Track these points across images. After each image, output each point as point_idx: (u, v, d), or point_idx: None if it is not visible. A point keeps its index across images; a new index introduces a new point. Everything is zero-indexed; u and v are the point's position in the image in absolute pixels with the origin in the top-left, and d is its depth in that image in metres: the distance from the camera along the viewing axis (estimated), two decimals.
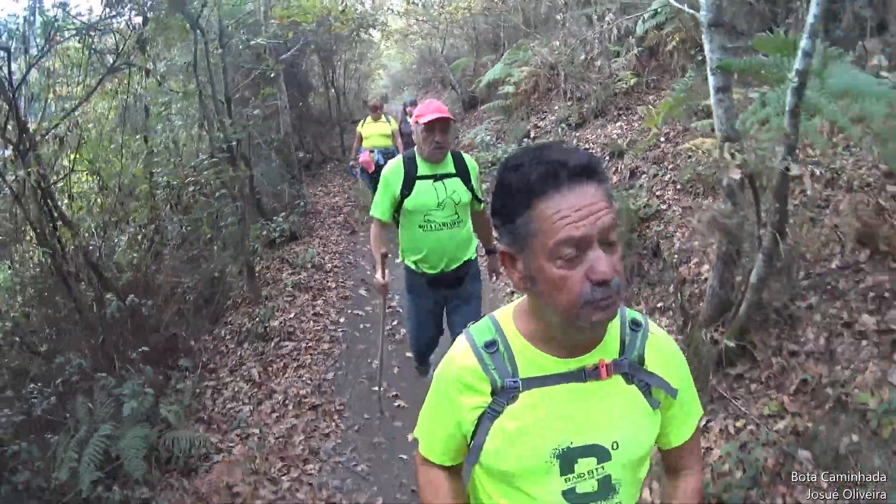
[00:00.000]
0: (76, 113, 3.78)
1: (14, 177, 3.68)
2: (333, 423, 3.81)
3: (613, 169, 5.96)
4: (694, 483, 1.27)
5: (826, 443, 2.72)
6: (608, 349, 1.11)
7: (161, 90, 5.46)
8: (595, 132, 7.29)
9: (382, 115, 7.92)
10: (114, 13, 3.77)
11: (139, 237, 4.87)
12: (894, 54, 4.03)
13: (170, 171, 5.09)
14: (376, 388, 3.83)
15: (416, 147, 3.08)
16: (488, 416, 1.09)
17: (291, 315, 5.29)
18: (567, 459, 1.08)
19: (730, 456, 2.91)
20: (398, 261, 3.39)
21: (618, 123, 7.22)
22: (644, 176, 5.40)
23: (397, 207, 3.08)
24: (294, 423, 3.78)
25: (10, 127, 3.70)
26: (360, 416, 3.91)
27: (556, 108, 8.44)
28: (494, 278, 3.60)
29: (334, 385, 4.26)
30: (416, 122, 3.01)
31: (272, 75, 7.44)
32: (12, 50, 3.43)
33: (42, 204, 3.84)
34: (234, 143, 5.31)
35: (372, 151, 7.58)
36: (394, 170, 3.06)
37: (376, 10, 14.05)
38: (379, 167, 7.15)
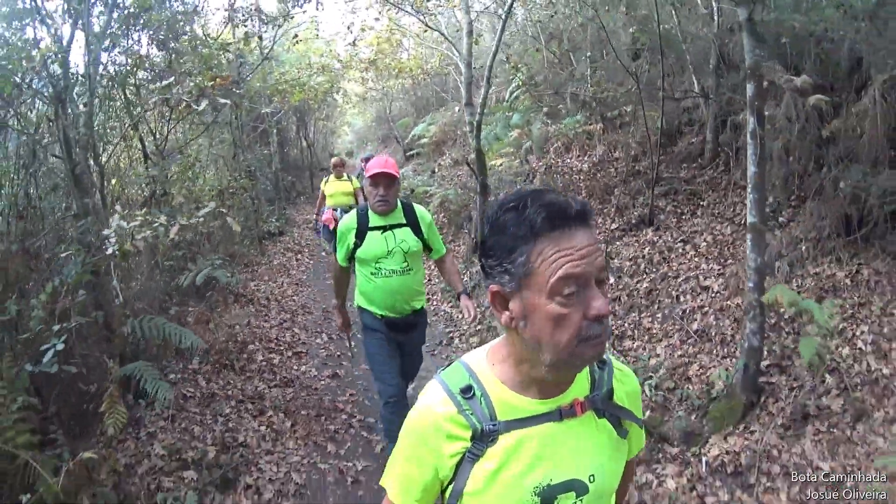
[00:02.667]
0: (189, 144, 8.08)
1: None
2: (305, 286, 8.13)
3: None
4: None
5: None
6: (580, 387, 1.16)
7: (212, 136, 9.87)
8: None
9: (344, 174, 8.27)
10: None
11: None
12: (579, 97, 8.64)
13: (217, 181, 9.39)
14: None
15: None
16: (468, 460, 1.12)
17: (284, 259, 9.64)
18: (548, 497, 1.11)
19: None
20: (351, 304, 3.69)
21: (494, 162, 11.80)
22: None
23: (351, 256, 3.35)
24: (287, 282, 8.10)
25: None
26: (321, 279, 8.24)
27: (450, 152, 13.04)
28: (466, 314, 3.52)
29: (306, 279, 8.59)
30: (365, 176, 3.28)
31: (274, 129, 11.90)
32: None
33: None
34: (254, 168, 9.74)
35: (335, 210, 7.95)
36: (347, 223, 3.35)
37: (338, 79, 18.60)
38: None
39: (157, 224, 3.28)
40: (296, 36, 10.03)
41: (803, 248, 4.73)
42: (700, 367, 4.24)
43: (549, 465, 1.12)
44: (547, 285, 0.99)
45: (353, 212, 3.42)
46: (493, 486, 1.11)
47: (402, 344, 3.54)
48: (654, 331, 4.88)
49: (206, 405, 4.49)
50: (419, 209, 3.45)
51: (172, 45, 5.05)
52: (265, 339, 6.03)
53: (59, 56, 4.29)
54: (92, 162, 4.50)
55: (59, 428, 3.31)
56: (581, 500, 1.14)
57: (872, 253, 4.41)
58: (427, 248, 3.47)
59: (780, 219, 5.06)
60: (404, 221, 3.35)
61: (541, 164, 8.46)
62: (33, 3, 4.34)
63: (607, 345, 1.21)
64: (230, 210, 8.78)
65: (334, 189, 8.08)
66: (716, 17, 6.45)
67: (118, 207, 3.54)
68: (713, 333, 4.41)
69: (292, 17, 7.68)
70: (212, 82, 4.00)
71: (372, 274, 3.33)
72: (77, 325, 3.09)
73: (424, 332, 3.75)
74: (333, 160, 8.56)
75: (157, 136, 7.00)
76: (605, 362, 1.21)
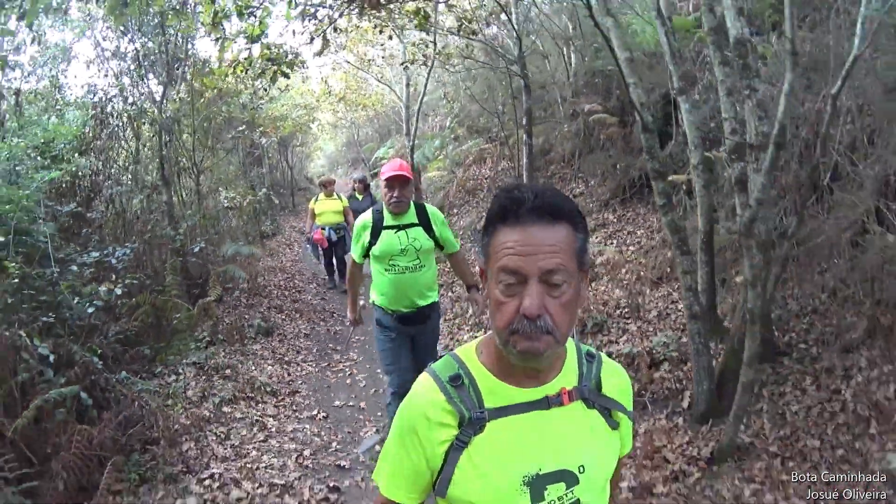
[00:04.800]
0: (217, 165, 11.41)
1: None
2: (299, 262, 11.51)
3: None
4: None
5: None
6: (567, 378, 1.18)
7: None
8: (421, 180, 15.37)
9: (334, 193, 8.39)
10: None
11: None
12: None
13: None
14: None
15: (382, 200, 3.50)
16: (456, 448, 1.12)
17: (280, 248, 13.01)
18: (537, 487, 1.11)
19: None
20: (369, 301, 3.76)
21: (430, 174, 15.30)
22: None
23: (366, 253, 3.52)
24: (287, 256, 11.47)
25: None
26: (309, 260, 11.63)
27: None
28: (472, 310, 3.99)
29: (298, 258, 11.96)
30: (381, 179, 3.43)
31: (267, 155, 15.30)
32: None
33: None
34: (255, 184, 13.13)
35: (324, 229, 8.12)
36: (364, 222, 3.52)
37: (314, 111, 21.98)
38: (331, 243, 8.32)
39: (237, 196, 6.67)
40: (287, 86, 13.50)
41: (591, 205, 8.28)
42: None
43: (538, 453, 1.12)
44: (493, 272, 1.06)
45: (369, 211, 3.58)
46: (481, 475, 1.11)
47: (415, 336, 3.70)
48: None
49: (249, 307, 7.85)
50: (431, 209, 3.61)
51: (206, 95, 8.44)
52: (277, 284, 9.41)
53: (156, 107, 7.75)
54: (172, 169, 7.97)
55: (183, 293, 6.71)
56: (572, 491, 1.13)
57: (637, 205, 7.93)
58: (439, 245, 3.61)
59: (578, 191, 8.64)
60: (416, 221, 3.52)
61: (462, 174, 11.93)
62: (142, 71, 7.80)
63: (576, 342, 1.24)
64: (243, 208, 12.22)
65: (323, 208, 8.28)
66: (569, 67, 10.05)
67: (220, 189, 6.94)
68: None
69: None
70: (269, 128, 7.42)
71: (385, 270, 3.50)
72: (204, 240, 6.50)
73: (438, 324, 3.84)
74: (322, 179, 8.86)
75: (194, 159, 10.38)
76: (594, 356, 1.24)
